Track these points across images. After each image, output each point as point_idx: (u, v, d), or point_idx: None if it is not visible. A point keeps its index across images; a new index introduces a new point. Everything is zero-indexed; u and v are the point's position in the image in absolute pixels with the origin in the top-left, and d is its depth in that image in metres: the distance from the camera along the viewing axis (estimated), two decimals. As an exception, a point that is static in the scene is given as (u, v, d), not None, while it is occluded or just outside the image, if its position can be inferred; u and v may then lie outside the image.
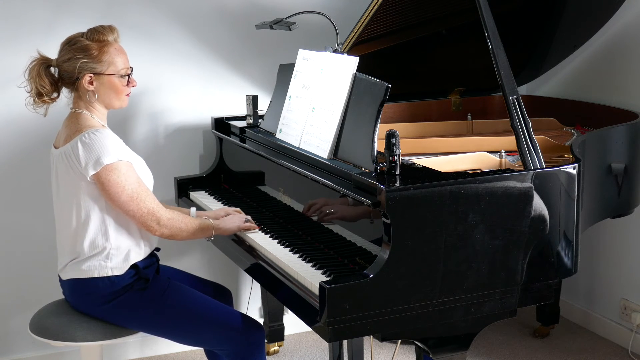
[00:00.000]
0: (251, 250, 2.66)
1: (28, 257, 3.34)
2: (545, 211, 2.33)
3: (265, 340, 3.26)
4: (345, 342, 2.93)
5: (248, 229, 2.71)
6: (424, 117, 3.54)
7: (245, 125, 3.24)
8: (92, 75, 2.47)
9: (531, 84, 3.83)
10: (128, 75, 2.53)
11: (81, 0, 3.25)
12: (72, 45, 2.48)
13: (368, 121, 2.38)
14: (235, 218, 2.71)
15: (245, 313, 2.74)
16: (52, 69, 2.52)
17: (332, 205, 2.48)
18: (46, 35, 3.15)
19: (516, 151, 2.43)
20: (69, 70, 2.48)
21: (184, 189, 3.37)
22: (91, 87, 2.48)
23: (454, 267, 2.21)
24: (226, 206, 3.01)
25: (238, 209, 2.83)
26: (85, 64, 2.46)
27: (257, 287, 3.63)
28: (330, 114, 2.57)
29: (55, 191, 2.55)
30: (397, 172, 2.23)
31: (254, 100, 3.23)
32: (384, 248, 2.13)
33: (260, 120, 3.17)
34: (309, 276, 2.27)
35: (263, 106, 3.24)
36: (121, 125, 3.34)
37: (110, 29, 2.52)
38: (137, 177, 2.47)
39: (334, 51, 2.86)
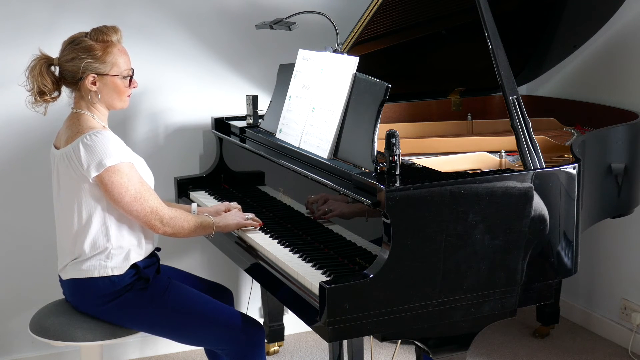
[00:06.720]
0: (251, 250, 2.66)
1: (28, 257, 3.34)
2: (545, 211, 2.33)
3: (265, 340, 3.26)
4: (345, 342, 2.93)
5: (248, 226, 2.71)
6: (424, 117, 3.54)
7: (245, 125, 3.23)
8: (95, 75, 2.47)
9: (531, 84, 3.83)
10: (130, 76, 2.54)
11: (81, 0, 3.25)
12: (76, 45, 2.47)
13: (368, 121, 2.38)
14: (235, 215, 2.72)
15: (245, 313, 2.74)
16: (53, 68, 2.51)
17: (332, 203, 2.48)
18: (46, 35, 3.14)
19: (516, 151, 2.43)
20: (72, 70, 2.47)
21: (184, 189, 3.37)
22: (94, 88, 2.48)
23: (453, 267, 2.21)
24: (227, 201, 3.01)
25: (238, 206, 2.84)
26: (89, 64, 2.45)
27: (257, 287, 3.63)
28: (330, 114, 2.57)
29: (56, 192, 2.55)
30: (397, 172, 2.23)
31: (254, 100, 3.23)
32: (384, 248, 2.13)
33: (260, 120, 3.17)
34: (309, 276, 2.27)
35: (263, 106, 3.24)
36: (121, 126, 3.34)
37: (114, 29, 2.52)
38: (140, 177, 2.47)
39: (334, 51, 2.86)
